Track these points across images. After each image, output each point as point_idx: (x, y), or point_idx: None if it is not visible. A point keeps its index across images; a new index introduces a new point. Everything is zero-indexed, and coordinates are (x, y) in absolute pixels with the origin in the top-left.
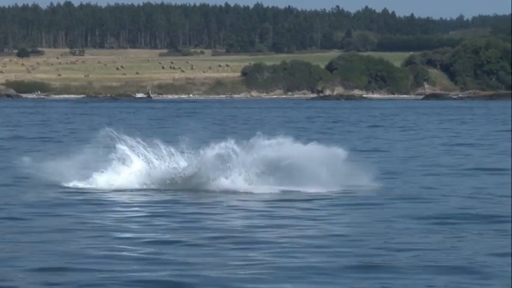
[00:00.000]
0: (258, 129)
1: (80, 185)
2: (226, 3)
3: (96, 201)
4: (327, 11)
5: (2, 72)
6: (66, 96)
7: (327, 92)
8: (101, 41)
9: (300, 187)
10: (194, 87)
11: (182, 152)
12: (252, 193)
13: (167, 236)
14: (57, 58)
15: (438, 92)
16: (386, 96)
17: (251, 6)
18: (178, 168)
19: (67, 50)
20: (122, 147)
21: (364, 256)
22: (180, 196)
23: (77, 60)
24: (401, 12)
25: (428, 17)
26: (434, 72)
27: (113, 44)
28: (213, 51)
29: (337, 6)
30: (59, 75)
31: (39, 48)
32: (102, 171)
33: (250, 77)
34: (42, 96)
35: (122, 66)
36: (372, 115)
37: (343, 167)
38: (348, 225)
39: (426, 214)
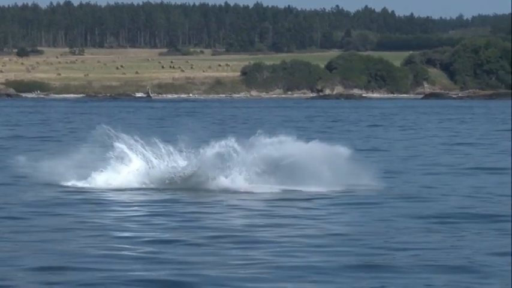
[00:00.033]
0: (257, 129)
1: (79, 184)
2: (225, 3)
3: (95, 200)
4: (327, 10)
5: (1, 71)
6: (65, 95)
7: (327, 92)
8: (100, 40)
9: (301, 186)
10: (194, 87)
11: (181, 151)
12: (252, 192)
13: (167, 235)
14: (57, 57)
15: (438, 91)
16: (386, 95)
17: (251, 5)
18: (178, 167)
19: (67, 49)
20: (119, 146)
21: (364, 255)
22: (179, 195)
23: (76, 60)
24: (401, 11)
25: (427, 17)
26: (434, 72)
27: (113, 44)
28: (213, 51)
29: (337, 6)
30: (59, 74)
31: (39, 48)
32: (102, 171)
33: (249, 77)
34: (42, 96)
35: (121, 66)
36: (371, 114)
37: (345, 166)
38: (348, 224)
39: (426, 213)
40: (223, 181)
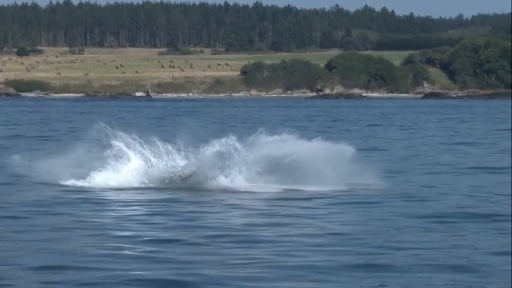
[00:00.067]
0: (257, 128)
1: (78, 183)
2: (225, 2)
3: (94, 199)
4: (327, 9)
5: (1, 71)
6: (65, 95)
7: (327, 91)
8: (100, 39)
9: (302, 185)
10: (193, 86)
11: (179, 150)
12: (252, 192)
13: (166, 235)
14: (57, 57)
15: (437, 91)
16: (385, 95)
17: (250, 5)
18: (177, 166)
19: (66, 48)
20: (117, 144)
21: (364, 255)
22: (179, 195)
23: (76, 59)
24: (401, 11)
25: (427, 16)
26: (433, 71)
27: (113, 43)
28: (213, 50)
29: (337, 5)
30: (59, 74)
31: (39, 47)
32: (101, 170)
33: (249, 76)
34: (42, 95)
35: (121, 65)
36: (371, 114)
37: (348, 164)
38: (348, 223)
39: (426, 213)
40: (223, 181)
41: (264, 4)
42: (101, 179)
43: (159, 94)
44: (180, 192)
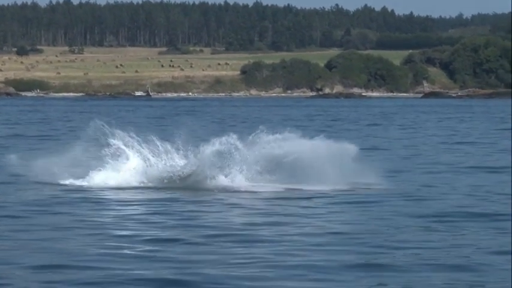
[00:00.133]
0: (257, 128)
1: (77, 182)
2: (225, 2)
3: (93, 199)
4: (326, 9)
5: (1, 70)
6: (65, 94)
7: (326, 91)
8: (100, 39)
9: (303, 185)
10: (193, 86)
11: (178, 149)
12: (252, 191)
13: (166, 234)
14: (57, 56)
15: (437, 90)
16: (385, 94)
17: (250, 4)
18: (177, 166)
19: (66, 48)
20: (115, 142)
21: (364, 254)
22: (179, 194)
23: (76, 59)
24: (401, 10)
25: (427, 15)
26: (433, 71)
27: (112, 42)
28: (212, 50)
29: (337, 5)
30: (58, 73)
31: (39, 47)
32: (100, 170)
33: (249, 75)
34: (42, 95)
35: (121, 65)
36: (371, 113)
37: (351, 163)
38: (348, 223)
39: (425, 212)
40: (222, 180)
41: (264, 3)
42: (100, 178)
43: (159, 93)
44: (179, 192)
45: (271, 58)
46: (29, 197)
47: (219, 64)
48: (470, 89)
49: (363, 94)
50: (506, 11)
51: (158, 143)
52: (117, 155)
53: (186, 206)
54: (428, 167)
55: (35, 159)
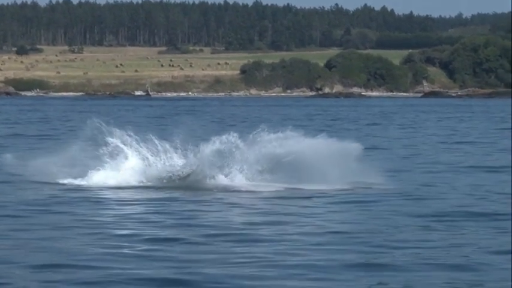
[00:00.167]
0: (257, 127)
1: (76, 182)
2: (225, 1)
3: (93, 198)
4: (326, 8)
5: (0, 70)
6: (65, 93)
7: (326, 90)
8: (99, 38)
9: (304, 184)
10: (193, 85)
11: (176, 148)
12: (252, 191)
13: (166, 233)
14: (56, 56)
15: (437, 89)
16: (385, 94)
17: (250, 4)
18: (176, 166)
19: (66, 47)
20: (113, 141)
21: (363, 253)
22: (178, 194)
23: (75, 58)
24: (400, 10)
25: (427, 15)
26: (433, 70)
27: (112, 42)
28: (212, 49)
29: (336, 4)
30: (58, 72)
31: (38, 46)
32: (99, 169)
33: (249, 75)
34: (41, 94)
35: (120, 64)
36: (370, 113)
37: (354, 163)
38: (347, 222)
39: (425, 212)
40: (222, 180)
41: (264, 3)
42: (99, 177)
43: (159, 93)
44: (179, 191)
45: (271, 58)
46: (29, 197)
47: (218, 64)
48: (470, 89)
49: (363, 94)
50: (506, 10)
51: (157, 142)
52: (115, 154)
53: (185, 205)
54: (428, 167)
55: (34, 158)
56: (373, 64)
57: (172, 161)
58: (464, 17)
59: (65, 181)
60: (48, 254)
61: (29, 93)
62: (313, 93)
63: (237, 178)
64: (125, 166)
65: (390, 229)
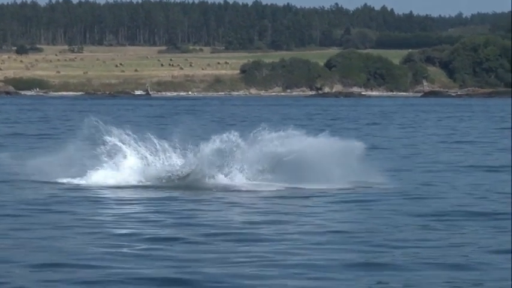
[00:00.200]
0: (257, 127)
1: (75, 181)
2: (225, 1)
3: (92, 198)
4: (326, 8)
5: (0, 69)
6: (64, 93)
7: (326, 90)
8: (99, 38)
9: (305, 184)
10: (193, 85)
11: (175, 148)
12: (252, 190)
13: (166, 233)
14: (56, 55)
15: (437, 89)
16: (385, 93)
17: (250, 3)
18: (175, 165)
19: (66, 47)
20: (111, 139)
21: (363, 253)
22: (178, 193)
23: (75, 58)
24: (400, 9)
25: (427, 15)
26: (433, 70)
27: (112, 41)
28: (212, 49)
29: (336, 4)
30: (58, 72)
31: (38, 45)
32: (98, 169)
33: (249, 74)
34: (41, 93)
35: (120, 64)
36: (370, 112)
37: (356, 162)
38: (347, 222)
39: (425, 211)
40: (222, 179)
41: (264, 3)
42: (98, 177)
43: (159, 93)
44: (178, 191)
45: (271, 57)
46: (28, 196)
47: (218, 63)
48: (469, 88)
49: (363, 93)
50: (506, 10)
51: (155, 141)
52: (113, 153)
53: (185, 204)
54: (428, 166)
55: (33, 158)
56: (373, 64)
57: (171, 160)
58: (464, 16)
59: (64, 180)
60: (48, 254)
61: (28, 93)
62: (313, 92)
63: (237, 178)
64: (124, 165)
65: (390, 228)
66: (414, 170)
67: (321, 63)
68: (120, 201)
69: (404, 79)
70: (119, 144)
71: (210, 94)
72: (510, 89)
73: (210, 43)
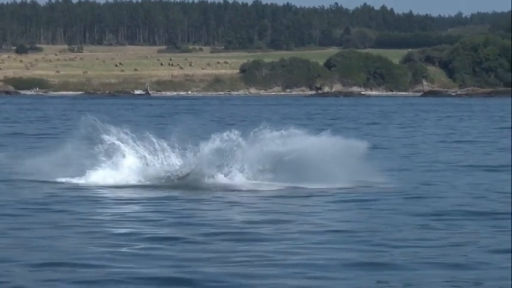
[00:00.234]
0: (256, 126)
1: (74, 181)
2: (224, 0)
3: (92, 197)
4: (326, 8)
5: (0, 68)
6: (64, 92)
7: (326, 89)
8: (99, 37)
9: (305, 183)
10: (193, 84)
11: (173, 147)
12: (252, 190)
13: (165, 232)
14: (56, 55)
15: (437, 89)
16: (384, 93)
17: (250, 3)
18: (175, 165)
19: (65, 46)
20: (109, 138)
21: (362, 252)
22: (177, 192)
23: (75, 57)
24: (400, 9)
25: (426, 14)
26: (432, 69)
27: (112, 41)
28: (212, 48)
29: (336, 3)
30: (58, 71)
31: (38, 45)
32: (97, 169)
33: (248, 74)
34: (41, 93)
35: (120, 63)
36: (370, 112)
37: (358, 161)
38: (347, 221)
39: (424, 211)
40: (221, 179)
41: (263, 2)
42: (97, 176)
43: (158, 92)
44: (178, 190)
45: (271, 57)
46: (27, 196)
47: (218, 63)
48: (469, 88)
49: (362, 93)
50: (506, 9)
51: (154, 141)
52: (111, 152)
53: (184, 204)
54: (428, 166)
55: (32, 157)
56: (373, 63)
57: (170, 160)
58: (463, 16)
59: (63, 180)
60: (47, 253)
61: (28, 92)
62: (313, 92)
63: (237, 177)
64: (123, 165)
65: (390, 228)
66: (414, 169)
67: (321, 63)
68: (119, 201)
69: (404, 79)
70: (117, 142)
71: (209, 94)
72: (510, 89)
73: (209, 43)
